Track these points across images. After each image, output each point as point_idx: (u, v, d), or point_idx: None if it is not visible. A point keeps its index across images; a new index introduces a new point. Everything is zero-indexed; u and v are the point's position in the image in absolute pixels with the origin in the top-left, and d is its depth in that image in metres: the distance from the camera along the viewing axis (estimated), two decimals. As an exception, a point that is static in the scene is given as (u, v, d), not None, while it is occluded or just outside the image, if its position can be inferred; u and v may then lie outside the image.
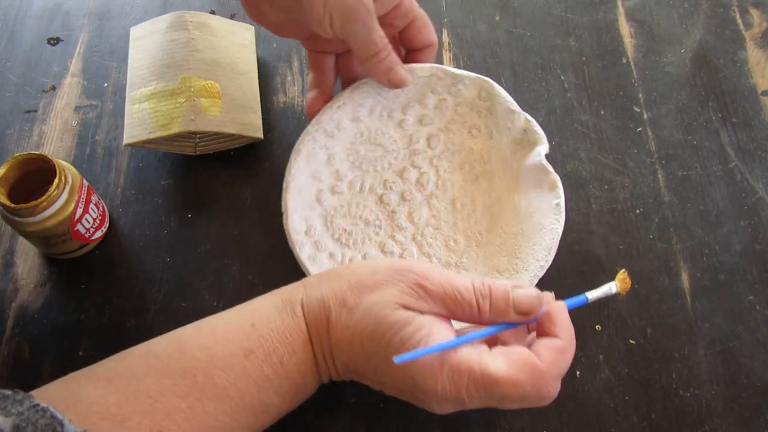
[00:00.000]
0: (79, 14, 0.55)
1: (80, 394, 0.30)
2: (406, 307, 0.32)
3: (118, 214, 0.46)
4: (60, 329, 0.42)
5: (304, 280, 0.36)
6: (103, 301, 0.43)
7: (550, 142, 0.46)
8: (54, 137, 0.49)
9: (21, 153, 0.40)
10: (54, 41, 0.53)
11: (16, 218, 0.39)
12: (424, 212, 0.44)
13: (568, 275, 0.43)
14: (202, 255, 0.44)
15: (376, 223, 0.44)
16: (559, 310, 0.33)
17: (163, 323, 0.41)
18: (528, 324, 0.34)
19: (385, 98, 0.44)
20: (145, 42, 0.47)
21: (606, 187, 0.46)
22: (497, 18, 0.54)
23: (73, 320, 0.42)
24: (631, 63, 0.51)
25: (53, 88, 0.51)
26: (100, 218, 0.43)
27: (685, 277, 0.43)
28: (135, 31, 0.48)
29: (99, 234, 0.44)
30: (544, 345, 0.32)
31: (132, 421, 0.30)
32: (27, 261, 0.44)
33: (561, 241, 0.42)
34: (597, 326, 0.41)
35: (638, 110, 0.49)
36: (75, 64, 0.52)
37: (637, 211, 0.45)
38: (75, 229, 0.41)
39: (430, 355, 0.31)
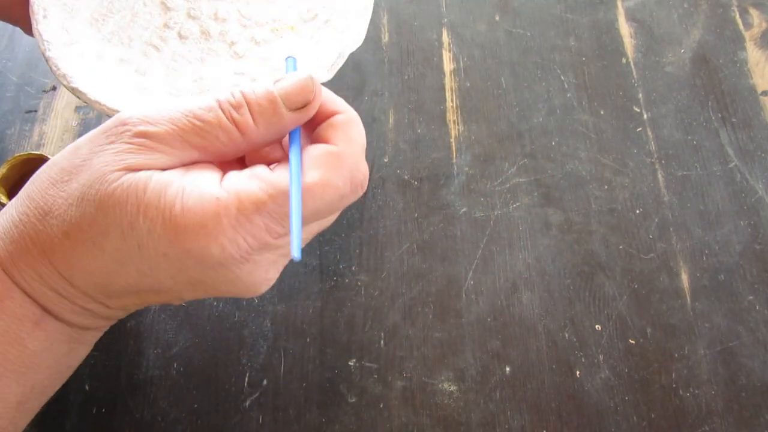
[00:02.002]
0: (79, 14, 0.55)
1: None
2: (132, 169, 0.23)
3: (118, 214, 0.46)
4: (60, 329, 0.42)
5: None
6: (103, 301, 0.43)
7: (550, 142, 0.47)
8: (54, 137, 0.49)
9: (21, 153, 0.40)
10: (54, 41, 0.53)
11: (17, 218, 0.39)
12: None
13: (568, 275, 0.43)
14: (202, 255, 0.44)
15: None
16: (319, 84, 0.26)
17: (163, 323, 0.41)
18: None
19: None
20: None
21: (606, 187, 0.46)
22: (497, 18, 0.54)
23: (74, 320, 0.42)
24: (631, 63, 0.51)
25: (54, 89, 0.51)
26: (100, 218, 0.43)
27: (684, 277, 0.43)
28: None
29: (99, 234, 0.44)
30: (328, 128, 0.25)
31: None
32: (27, 261, 0.44)
33: (561, 241, 0.43)
34: (597, 326, 0.41)
35: (638, 110, 0.49)
36: (75, 65, 0.52)
37: (637, 211, 0.45)
38: (75, 229, 0.41)
39: (200, 211, 0.23)
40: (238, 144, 0.25)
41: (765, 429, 0.38)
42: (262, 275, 0.25)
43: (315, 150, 0.25)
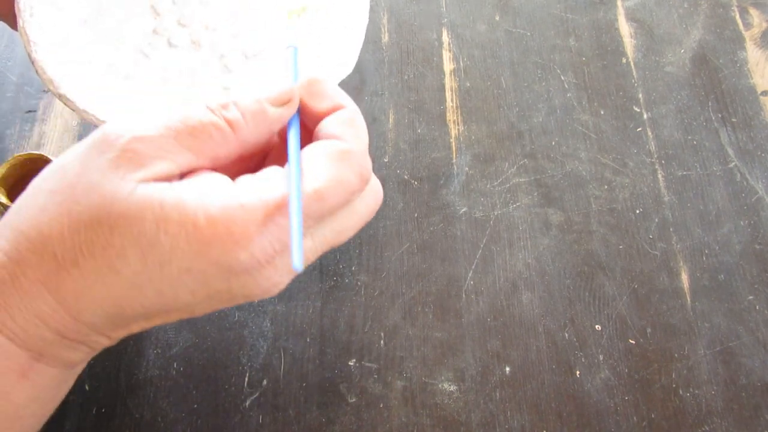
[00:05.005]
0: (79, 14, 0.55)
1: None
2: (139, 182, 0.22)
3: (118, 214, 0.46)
4: (60, 329, 0.42)
5: None
6: (103, 301, 0.43)
7: (550, 142, 0.47)
8: (55, 137, 0.49)
9: (21, 153, 0.40)
10: (54, 41, 0.53)
11: (17, 218, 0.39)
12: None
13: (568, 275, 0.43)
14: (202, 255, 0.44)
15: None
16: (320, 79, 0.26)
17: (162, 323, 0.41)
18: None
19: None
20: None
21: (606, 187, 0.46)
22: (497, 18, 0.54)
23: (74, 320, 0.42)
24: (631, 63, 0.51)
25: (53, 89, 0.51)
26: (100, 218, 0.43)
27: (684, 277, 0.43)
28: None
29: (99, 234, 0.44)
30: (332, 123, 0.25)
31: None
32: (27, 261, 0.44)
33: (561, 241, 0.43)
34: (597, 326, 0.41)
35: (638, 110, 0.49)
36: (75, 65, 0.52)
37: (637, 211, 0.45)
38: (75, 229, 0.41)
39: (225, 220, 0.22)
40: (231, 142, 0.24)
41: (765, 429, 0.38)
42: (278, 279, 0.24)
43: (328, 147, 0.24)
